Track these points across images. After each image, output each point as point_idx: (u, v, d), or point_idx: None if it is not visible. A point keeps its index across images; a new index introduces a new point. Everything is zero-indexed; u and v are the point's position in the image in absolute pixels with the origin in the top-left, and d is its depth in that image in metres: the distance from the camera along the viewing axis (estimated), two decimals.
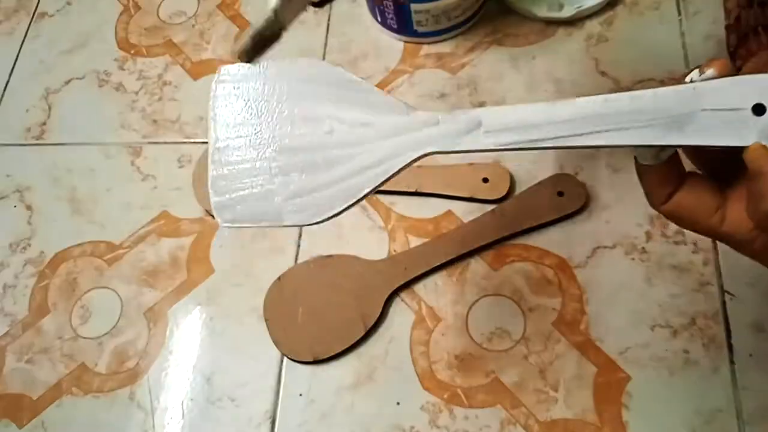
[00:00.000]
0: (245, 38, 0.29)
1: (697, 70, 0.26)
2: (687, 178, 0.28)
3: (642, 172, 0.28)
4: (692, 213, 0.28)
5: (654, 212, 0.47)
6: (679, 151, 0.28)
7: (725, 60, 0.26)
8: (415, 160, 0.28)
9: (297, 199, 0.29)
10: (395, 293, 0.46)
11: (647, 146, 0.27)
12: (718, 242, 0.45)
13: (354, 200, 0.28)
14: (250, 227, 0.30)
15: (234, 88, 0.30)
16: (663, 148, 0.27)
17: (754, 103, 0.25)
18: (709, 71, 0.26)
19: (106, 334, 0.47)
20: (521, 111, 0.27)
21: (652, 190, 0.29)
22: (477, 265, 0.46)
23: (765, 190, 0.25)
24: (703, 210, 0.28)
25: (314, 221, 0.29)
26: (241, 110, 0.30)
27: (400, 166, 0.28)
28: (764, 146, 0.25)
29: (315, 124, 0.29)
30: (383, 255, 0.47)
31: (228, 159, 0.30)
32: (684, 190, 0.28)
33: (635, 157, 0.28)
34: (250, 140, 0.29)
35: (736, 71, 0.25)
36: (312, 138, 0.29)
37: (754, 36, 0.46)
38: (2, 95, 0.59)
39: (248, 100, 0.30)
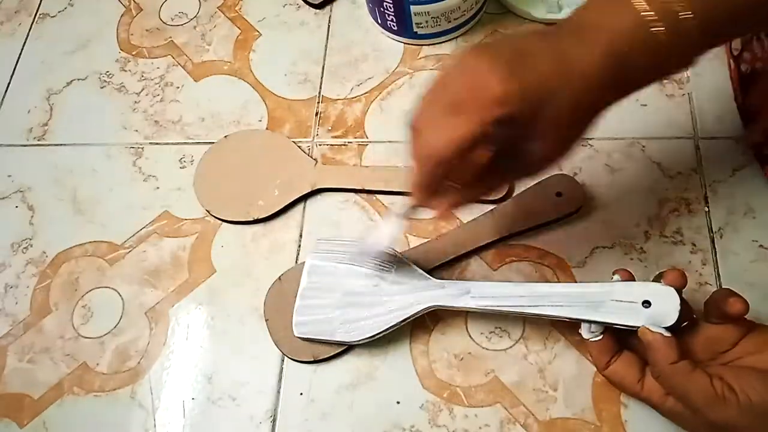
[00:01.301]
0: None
1: (615, 275, 0.39)
2: (622, 353, 0.39)
3: (587, 345, 0.39)
4: (622, 380, 0.38)
5: (652, 212, 0.48)
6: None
7: (628, 271, 0.39)
8: (424, 310, 0.42)
9: (347, 325, 0.43)
10: None
11: (577, 319, 0.38)
12: (716, 243, 0.45)
13: (381, 330, 0.42)
14: (313, 338, 0.44)
15: (324, 254, 0.46)
16: (588, 322, 0.38)
17: (644, 299, 0.37)
18: (616, 277, 0.39)
19: (107, 333, 0.47)
20: (496, 286, 0.41)
21: (595, 358, 0.39)
22: (477, 265, 0.46)
23: (653, 359, 0.36)
24: (630, 379, 0.38)
25: (355, 341, 0.43)
26: (325, 268, 0.45)
27: (414, 312, 0.42)
28: (648, 328, 0.36)
29: (368, 279, 0.44)
30: None
31: (310, 295, 0.45)
32: (617, 362, 0.38)
33: (581, 333, 0.39)
34: (325, 286, 0.44)
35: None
36: (364, 288, 0.44)
37: (757, 41, 0.46)
38: (4, 96, 0.59)
39: (330, 263, 0.45)
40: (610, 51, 0.31)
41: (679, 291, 0.37)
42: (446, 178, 0.33)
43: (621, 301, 0.37)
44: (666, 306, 0.36)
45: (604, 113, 0.33)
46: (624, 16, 0.31)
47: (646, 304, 0.37)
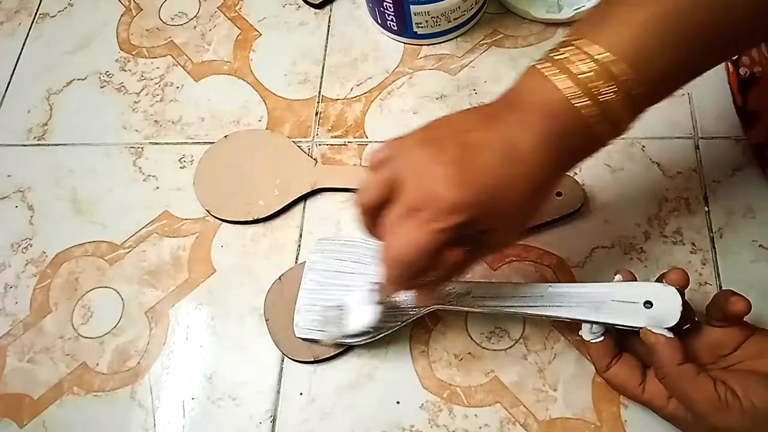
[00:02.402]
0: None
1: (617, 275, 0.38)
2: (621, 355, 0.38)
3: (587, 346, 0.39)
4: (623, 383, 0.38)
5: (652, 212, 0.48)
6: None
7: (630, 271, 0.39)
8: (424, 311, 0.42)
9: (344, 321, 0.42)
10: None
11: (578, 320, 0.38)
12: (716, 243, 0.45)
13: (389, 329, 0.42)
14: (312, 338, 0.44)
15: (324, 254, 0.45)
16: (589, 322, 0.38)
17: (645, 300, 0.36)
18: (617, 277, 0.38)
19: (107, 333, 0.47)
20: (497, 287, 0.40)
21: (595, 360, 0.39)
22: (477, 265, 0.46)
23: (658, 361, 0.35)
24: (631, 382, 0.38)
25: (355, 341, 0.43)
26: (325, 267, 0.45)
27: (415, 312, 0.42)
28: (650, 329, 0.36)
29: (369, 279, 0.42)
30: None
31: (309, 296, 0.44)
32: (618, 365, 0.38)
33: (581, 335, 0.39)
34: (322, 287, 0.44)
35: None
36: (365, 288, 0.42)
37: (756, 48, 0.46)
38: (4, 96, 0.59)
39: (329, 264, 0.45)
40: (548, 134, 0.31)
41: (681, 291, 0.37)
42: (418, 275, 0.33)
43: (622, 301, 0.37)
44: (668, 306, 0.36)
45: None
46: (553, 96, 0.31)
47: (648, 304, 0.36)
